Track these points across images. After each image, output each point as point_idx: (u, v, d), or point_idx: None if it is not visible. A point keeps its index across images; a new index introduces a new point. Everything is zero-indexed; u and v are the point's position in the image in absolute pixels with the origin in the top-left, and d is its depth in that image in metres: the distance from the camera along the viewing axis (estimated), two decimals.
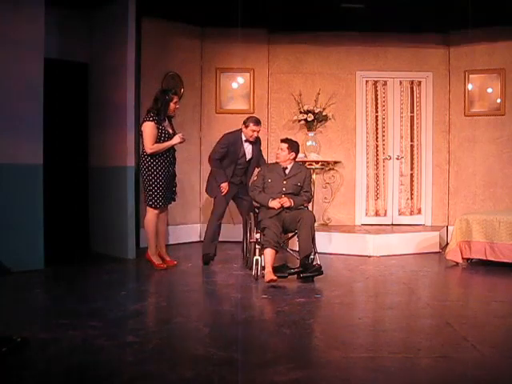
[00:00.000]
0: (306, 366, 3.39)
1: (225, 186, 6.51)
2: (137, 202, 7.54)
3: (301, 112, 8.42)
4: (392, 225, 8.62)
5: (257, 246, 5.93)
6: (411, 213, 8.79)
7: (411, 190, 8.81)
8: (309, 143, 8.43)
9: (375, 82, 8.78)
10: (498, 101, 8.43)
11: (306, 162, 8.17)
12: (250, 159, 6.71)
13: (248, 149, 6.66)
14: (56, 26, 7.13)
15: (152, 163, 6.25)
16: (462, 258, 6.71)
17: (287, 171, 6.23)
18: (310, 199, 6.36)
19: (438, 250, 7.75)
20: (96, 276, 6.14)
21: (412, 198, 8.81)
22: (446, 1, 7.22)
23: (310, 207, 6.59)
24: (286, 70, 8.74)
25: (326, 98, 8.46)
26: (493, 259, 6.48)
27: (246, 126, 6.57)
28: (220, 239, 7.78)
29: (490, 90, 8.57)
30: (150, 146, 6.17)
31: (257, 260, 5.83)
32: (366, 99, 8.78)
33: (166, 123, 6.36)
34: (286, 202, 6.00)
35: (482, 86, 8.61)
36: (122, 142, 6.97)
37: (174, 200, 6.61)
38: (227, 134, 6.70)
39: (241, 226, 7.05)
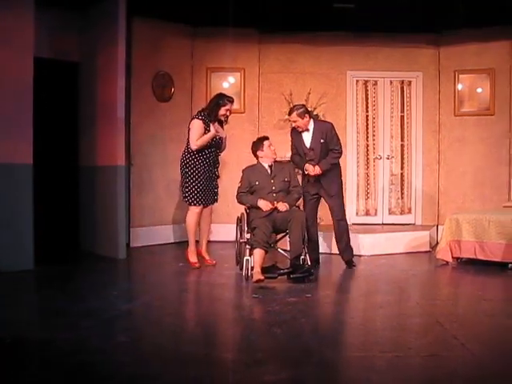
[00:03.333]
0: (296, 366, 3.40)
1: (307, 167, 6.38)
2: (127, 202, 7.54)
3: None
4: (382, 224, 8.65)
5: (247, 246, 5.93)
6: (401, 212, 8.83)
7: (401, 189, 8.84)
8: None
9: (366, 82, 8.81)
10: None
11: None
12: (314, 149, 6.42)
13: (307, 137, 6.47)
14: (46, 25, 7.09)
15: (192, 161, 6.35)
16: (452, 257, 6.74)
17: (271, 169, 6.24)
18: (300, 193, 6.35)
19: (428, 249, 7.78)
20: (87, 276, 6.13)
21: (402, 198, 8.85)
22: (437, 1, 7.25)
23: (301, 207, 6.60)
24: (276, 70, 8.75)
25: (317, 97, 8.48)
26: (482, 258, 6.52)
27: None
28: (212, 239, 7.78)
29: (479, 90, 8.62)
30: (194, 142, 6.29)
31: (247, 260, 5.83)
32: (356, 99, 8.81)
33: (217, 126, 6.42)
34: (283, 207, 5.97)
35: (471, 86, 8.66)
36: (113, 142, 6.94)
37: (216, 201, 6.66)
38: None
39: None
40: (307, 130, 6.43)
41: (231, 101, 6.53)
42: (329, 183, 6.45)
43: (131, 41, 7.77)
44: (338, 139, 6.55)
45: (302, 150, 6.44)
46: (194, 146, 6.32)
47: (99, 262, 6.83)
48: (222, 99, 6.46)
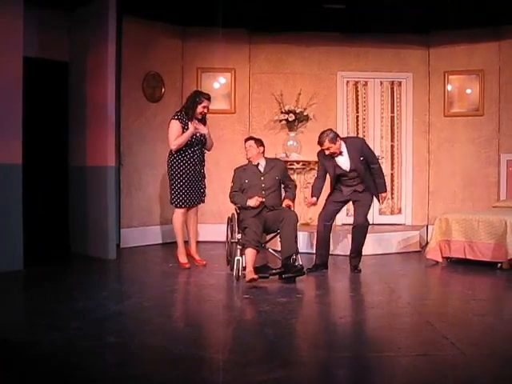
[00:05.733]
0: (287, 366, 3.39)
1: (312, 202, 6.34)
2: (117, 202, 7.51)
3: (282, 112, 8.45)
4: (373, 224, 8.64)
5: (238, 246, 5.93)
6: (392, 212, 8.87)
7: (392, 189, 8.87)
8: (290, 143, 8.46)
9: (356, 83, 8.83)
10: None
11: (287, 161, 8.19)
12: (353, 170, 6.23)
13: (343, 160, 6.26)
14: (36, 25, 7.06)
15: (176, 162, 6.35)
16: (442, 257, 6.78)
17: (261, 167, 6.25)
18: (295, 186, 6.46)
19: (418, 249, 7.81)
20: (76, 277, 6.10)
21: (392, 198, 8.88)
22: (427, 2, 7.28)
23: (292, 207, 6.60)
24: (267, 70, 8.76)
25: (307, 98, 8.49)
26: (472, 258, 6.55)
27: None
28: (202, 239, 7.76)
29: (468, 91, 8.67)
30: (172, 142, 6.30)
31: (238, 260, 5.83)
32: (346, 99, 8.82)
33: (196, 123, 6.39)
34: (259, 200, 6.01)
35: (461, 87, 8.71)
36: (103, 142, 6.92)
37: (203, 201, 6.65)
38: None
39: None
40: (340, 153, 6.21)
41: (208, 98, 6.50)
42: (365, 193, 6.27)
43: (121, 41, 7.74)
44: (373, 152, 6.45)
45: (336, 174, 6.23)
46: (172, 146, 6.32)
47: (89, 262, 6.80)
48: (198, 97, 6.44)
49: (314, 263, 6.33)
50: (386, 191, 6.42)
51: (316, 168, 8.42)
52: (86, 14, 7.17)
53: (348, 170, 6.23)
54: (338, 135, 6.25)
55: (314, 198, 6.31)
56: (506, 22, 7.97)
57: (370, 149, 6.41)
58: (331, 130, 6.31)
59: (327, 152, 6.18)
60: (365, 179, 6.25)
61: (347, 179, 6.28)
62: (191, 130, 6.32)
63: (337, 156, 6.21)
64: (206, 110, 6.48)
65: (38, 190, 7.27)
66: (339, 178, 6.30)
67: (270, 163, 6.31)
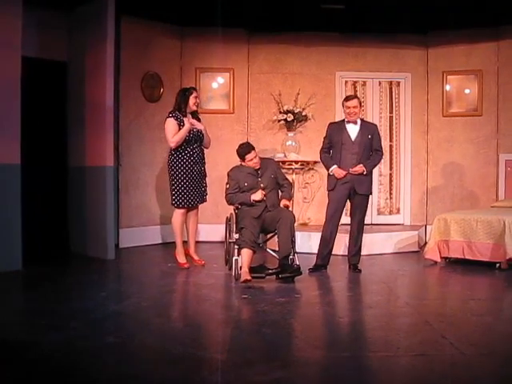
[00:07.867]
0: (286, 366, 3.40)
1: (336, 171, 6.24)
2: (116, 203, 7.50)
3: (280, 112, 8.45)
4: (371, 224, 8.67)
5: (235, 246, 5.94)
6: (390, 212, 8.87)
7: (390, 189, 8.88)
8: (288, 143, 8.47)
9: (354, 83, 8.84)
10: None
11: (285, 161, 8.21)
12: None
13: (353, 130, 6.29)
14: (35, 24, 7.06)
15: (176, 162, 6.35)
16: (441, 257, 6.78)
17: (257, 169, 6.26)
18: (291, 184, 6.51)
19: (416, 249, 7.81)
20: (75, 277, 6.10)
21: (391, 198, 8.89)
22: (425, 2, 7.29)
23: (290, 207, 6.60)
24: (265, 70, 8.76)
25: (306, 98, 8.49)
26: (470, 258, 6.56)
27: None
28: (201, 239, 7.76)
29: (467, 91, 8.68)
30: (171, 139, 6.30)
31: (236, 260, 5.83)
32: None
33: (191, 119, 6.42)
34: (263, 193, 6.05)
35: (459, 87, 8.72)
36: (101, 142, 6.92)
37: (205, 200, 6.64)
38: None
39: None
40: (354, 122, 6.29)
41: (195, 89, 6.61)
42: (361, 182, 6.24)
43: (120, 41, 7.74)
44: (381, 142, 6.48)
45: (342, 142, 6.25)
46: (171, 143, 6.32)
47: (88, 262, 6.80)
48: (186, 90, 6.51)
49: (316, 263, 6.33)
50: (366, 169, 6.22)
51: (314, 168, 8.50)
52: (84, 14, 7.17)
53: (353, 140, 6.24)
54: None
55: (340, 170, 6.22)
56: (504, 22, 7.98)
57: (380, 137, 6.48)
58: None
59: (348, 111, 6.25)
60: (362, 160, 6.22)
61: (348, 153, 6.24)
62: (187, 125, 6.33)
63: (349, 123, 6.29)
64: (198, 101, 6.53)
65: (36, 190, 7.26)
66: (342, 151, 6.26)
67: (264, 164, 6.32)
